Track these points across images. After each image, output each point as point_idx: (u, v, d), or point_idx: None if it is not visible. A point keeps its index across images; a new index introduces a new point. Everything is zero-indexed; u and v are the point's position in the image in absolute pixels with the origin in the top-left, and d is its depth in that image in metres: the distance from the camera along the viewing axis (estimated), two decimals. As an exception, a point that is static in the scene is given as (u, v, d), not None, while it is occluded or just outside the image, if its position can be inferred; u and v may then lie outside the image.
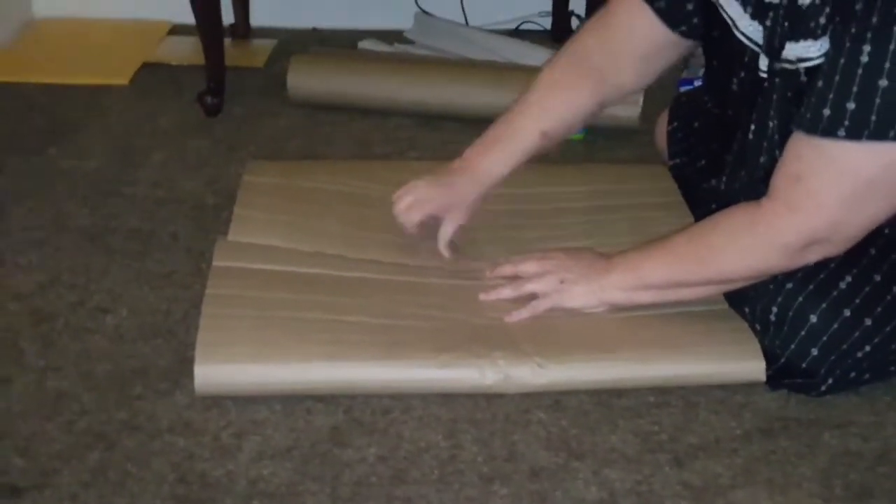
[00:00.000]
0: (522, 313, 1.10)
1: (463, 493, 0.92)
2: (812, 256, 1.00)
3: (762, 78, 1.07)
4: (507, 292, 1.13)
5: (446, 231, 1.20)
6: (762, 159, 1.08)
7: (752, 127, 1.09)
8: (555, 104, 1.20)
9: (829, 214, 0.97)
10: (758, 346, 1.05)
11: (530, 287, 1.12)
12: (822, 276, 1.02)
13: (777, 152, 1.02)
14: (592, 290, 1.09)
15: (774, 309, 1.03)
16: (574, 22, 2.04)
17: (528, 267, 1.13)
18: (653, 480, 0.94)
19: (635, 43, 1.19)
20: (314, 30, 2.07)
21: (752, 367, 1.04)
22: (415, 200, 1.19)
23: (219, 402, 1.02)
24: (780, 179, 0.99)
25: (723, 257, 1.04)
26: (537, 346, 1.05)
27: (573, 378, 1.04)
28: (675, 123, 1.40)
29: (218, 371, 1.02)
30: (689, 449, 0.98)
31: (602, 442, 0.99)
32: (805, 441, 0.99)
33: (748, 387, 1.05)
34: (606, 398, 1.04)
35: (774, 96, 1.04)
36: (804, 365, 1.02)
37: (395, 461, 0.96)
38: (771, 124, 1.06)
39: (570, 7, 2.04)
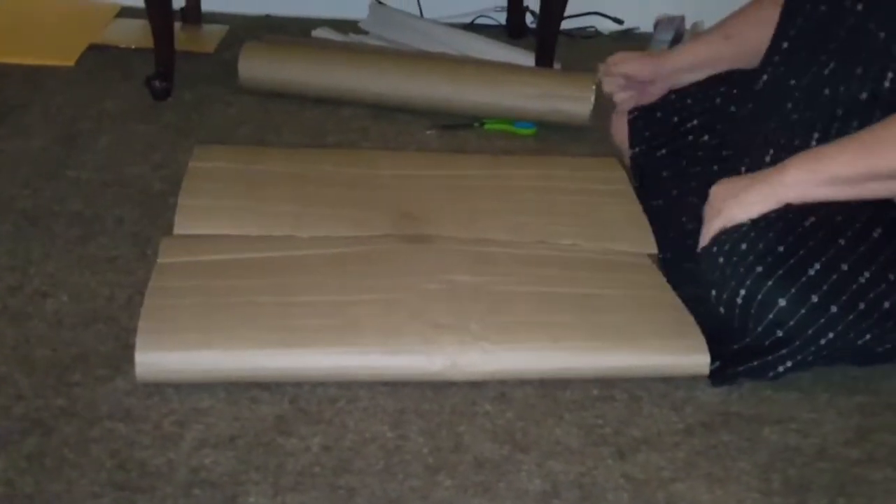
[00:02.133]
0: (705, 236, 1.08)
1: (407, 484, 0.92)
2: None
3: None
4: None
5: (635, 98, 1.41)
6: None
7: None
8: (742, 16, 1.36)
9: None
10: (703, 340, 1.06)
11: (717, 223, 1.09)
12: (791, 261, 1.03)
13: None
14: (765, 193, 1.07)
15: (742, 292, 1.03)
16: (528, 18, 2.05)
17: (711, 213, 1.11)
18: (595, 473, 0.95)
19: None
20: (267, 17, 2.05)
21: (697, 360, 1.06)
22: (627, 56, 1.42)
23: (161, 389, 1.01)
24: None
25: None
26: (485, 329, 1.05)
27: (520, 365, 1.04)
28: (637, 112, 1.43)
29: (160, 358, 1.00)
30: (631, 442, 0.99)
31: (546, 434, 0.99)
32: (745, 436, 1.01)
33: (691, 382, 1.07)
34: (552, 391, 1.05)
35: None
36: (767, 343, 1.03)
37: (340, 451, 0.95)
38: None
39: (525, 3, 2.05)
